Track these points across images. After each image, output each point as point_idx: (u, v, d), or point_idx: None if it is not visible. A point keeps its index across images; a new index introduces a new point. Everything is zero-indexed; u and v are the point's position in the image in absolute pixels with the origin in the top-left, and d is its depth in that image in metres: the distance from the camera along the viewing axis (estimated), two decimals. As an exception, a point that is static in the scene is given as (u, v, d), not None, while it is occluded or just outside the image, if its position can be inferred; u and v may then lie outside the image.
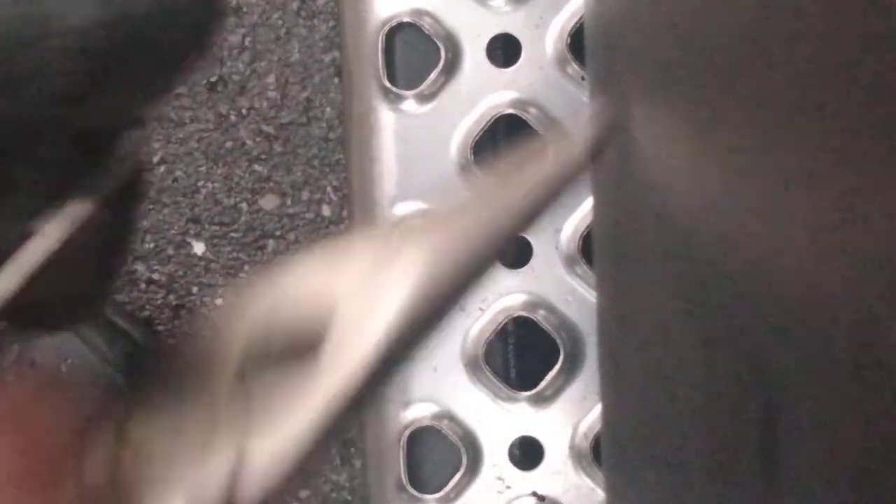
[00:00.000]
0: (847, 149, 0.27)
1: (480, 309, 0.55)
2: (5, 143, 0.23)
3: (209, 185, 1.03)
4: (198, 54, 0.23)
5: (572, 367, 0.54)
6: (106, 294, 0.28)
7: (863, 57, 0.25)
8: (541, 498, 0.55)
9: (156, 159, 0.98)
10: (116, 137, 0.24)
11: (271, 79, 1.03)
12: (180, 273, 1.03)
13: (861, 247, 0.27)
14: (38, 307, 0.24)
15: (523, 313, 0.54)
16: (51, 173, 0.23)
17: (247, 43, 1.02)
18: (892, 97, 0.24)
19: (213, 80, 1.01)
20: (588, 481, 0.54)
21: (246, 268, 1.03)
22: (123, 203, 0.25)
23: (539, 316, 0.54)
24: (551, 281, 0.54)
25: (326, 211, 1.03)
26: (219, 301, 1.03)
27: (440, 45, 0.54)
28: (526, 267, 0.54)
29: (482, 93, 0.54)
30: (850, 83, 0.26)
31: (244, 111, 1.02)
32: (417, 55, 0.55)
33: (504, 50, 0.55)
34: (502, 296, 0.55)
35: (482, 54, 0.54)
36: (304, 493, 1.02)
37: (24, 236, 0.23)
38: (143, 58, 0.22)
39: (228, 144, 1.02)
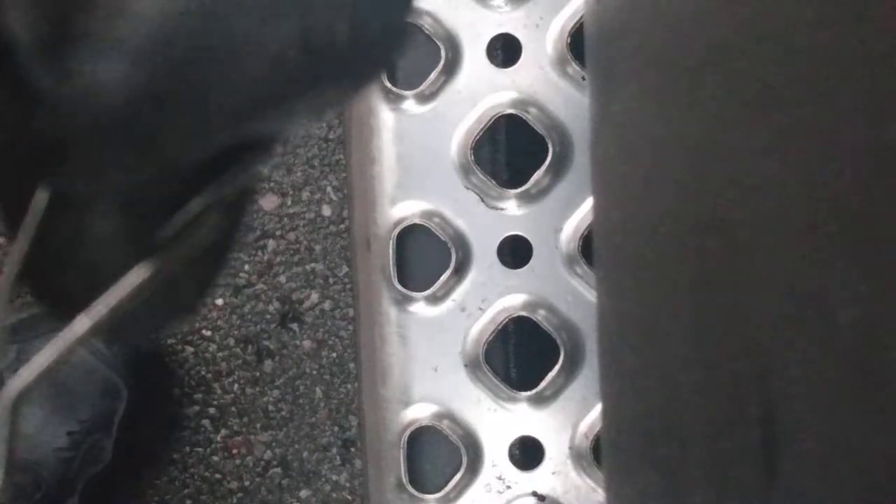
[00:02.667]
0: (848, 149, 0.27)
1: (480, 309, 0.55)
2: (181, 172, 0.22)
3: (209, 185, 1.03)
4: (376, 78, 0.23)
5: (572, 367, 0.54)
6: (200, 304, 0.27)
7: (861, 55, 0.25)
8: (541, 498, 0.55)
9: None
10: (237, 155, 0.24)
11: (271, 79, 1.03)
12: (180, 273, 1.03)
13: (861, 247, 0.27)
14: (126, 321, 0.24)
15: (523, 313, 0.54)
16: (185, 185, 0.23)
17: (247, 43, 1.02)
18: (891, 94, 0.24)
19: (213, 80, 1.01)
20: (588, 481, 0.54)
21: (246, 268, 1.03)
22: (234, 214, 0.24)
23: (539, 316, 0.54)
24: (551, 281, 0.54)
25: (326, 211, 1.03)
26: (219, 301, 1.03)
27: (440, 45, 0.54)
28: (526, 267, 0.55)
29: (482, 93, 0.54)
30: (847, 82, 0.26)
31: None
32: (417, 55, 0.55)
33: (504, 50, 0.55)
34: (502, 296, 0.55)
35: (482, 54, 0.54)
36: (304, 493, 1.02)
37: (148, 247, 0.23)
38: (330, 84, 0.21)
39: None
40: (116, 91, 0.19)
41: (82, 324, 0.23)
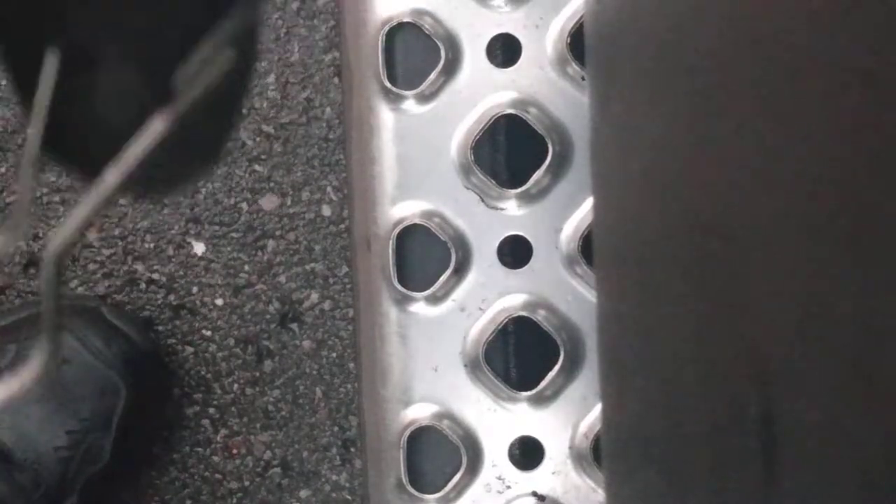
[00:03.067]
0: (848, 150, 0.27)
1: (480, 309, 0.55)
2: None
3: (209, 185, 1.03)
4: None
5: (572, 367, 0.54)
6: (221, 149, 0.27)
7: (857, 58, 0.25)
8: (541, 498, 0.55)
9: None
10: None
11: (271, 79, 1.03)
12: (180, 273, 1.03)
13: (861, 246, 0.27)
14: (149, 173, 0.24)
15: (523, 313, 0.54)
16: (186, 19, 0.23)
17: (247, 43, 1.02)
18: (889, 92, 0.24)
19: (213, 80, 1.01)
20: (588, 481, 0.54)
21: (246, 268, 1.03)
22: (246, 47, 0.24)
23: (539, 316, 0.54)
24: (551, 281, 0.54)
25: (326, 211, 1.03)
26: (219, 301, 1.03)
27: (440, 45, 0.54)
28: (526, 267, 0.55)
29: (482, 93, 0.54)
30: (849, 80, 0.26)
31: (244, 111, 1.02)
32: (417, 55, 0.55)
33: (504, 50, 0.55)
34: (502, 296, 0.55)
35: (482, 54, 0.54)
36: (304, 493, 1.02)
37: (168, 92, 0.23)
38: None
39: (228, 144, 1.02)
40: None
41: (113, 175, 0.23)
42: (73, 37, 0.22)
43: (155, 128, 0.23)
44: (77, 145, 0.24)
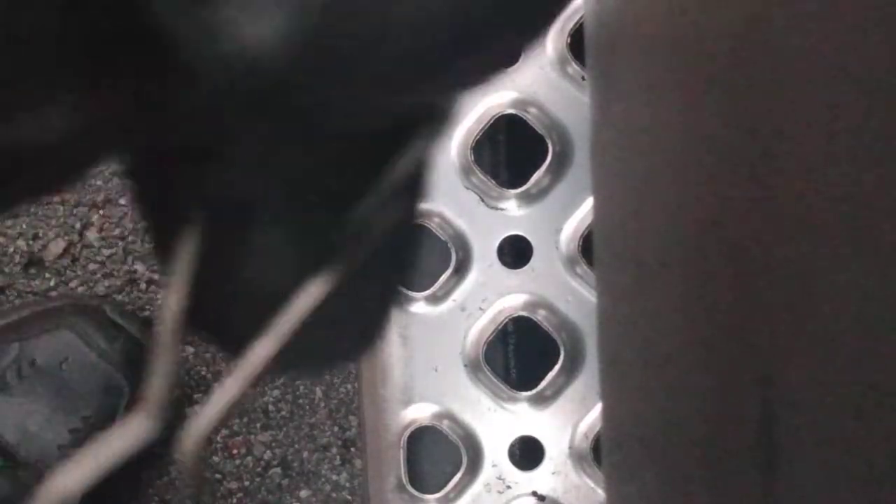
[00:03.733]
0: (849, 150, 0.27)
1: (480, 309, 0.55)
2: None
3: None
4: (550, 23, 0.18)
5: (572, 367, 0.54)
6: (388, 319, 0.23)
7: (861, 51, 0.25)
8: (541, 498, 0.55)
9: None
10: (409, 132, 0.20)
11: (272, 79, 1.03)
12: (181, 273, 1.03)
13: (861, 246, 0.27)
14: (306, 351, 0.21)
15: (523, 313, 0.54)
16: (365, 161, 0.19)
17: (247, 43, 1.02)
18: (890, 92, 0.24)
19: (213, 80, 1.01)
20: (588, 481, 0.54)
21: (246, 268, 1.03)
22: (410, 201, 0.21)
23: (539, 316, 0.54)
24: (551, 281, 0.54)
25: (327, 211, 1.03)
26: (219, 301, 1.03)
27: (440, 45, 0.54)
28: (526, 267, 0.55)
29: (482, 92, 0.54)
30: (848, 83, 0.26)
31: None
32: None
33: (504, 50, 0.55)
34: (502, 296, 0.55)
35: (482, 54, 0.54)
36: (304, 493, 1.02)
37: (317, 256, 0.19)
38: (499, 36, 0.17)
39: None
40: (274, 51, 0.15)
41: (263, 348, 0.20)
42: (219, 195, 0.19)
43: (312, 292, 0.19)
44: (223, 314, 0.21)
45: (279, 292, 0.20)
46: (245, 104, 0.16)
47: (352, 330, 0.22)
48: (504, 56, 0.18)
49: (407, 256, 0.22)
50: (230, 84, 0.16)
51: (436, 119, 0.20)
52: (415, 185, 0.21)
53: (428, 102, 0.19)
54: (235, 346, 0.20)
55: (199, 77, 0.16)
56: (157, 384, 0.20)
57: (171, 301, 0.20)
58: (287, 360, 0.20)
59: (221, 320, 0.21)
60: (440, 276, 0.54)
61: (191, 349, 1.03)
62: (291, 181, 0.19)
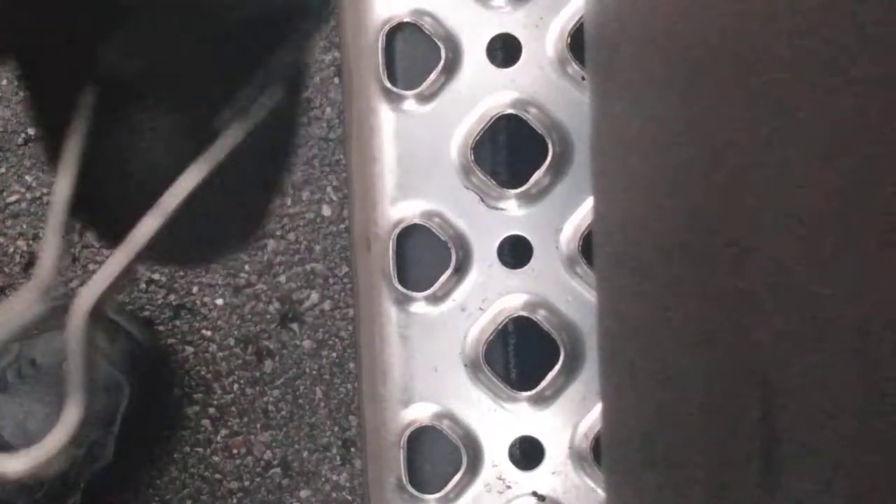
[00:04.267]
0: (847, 150, 0.27)
1: (480, 309, 0.55)
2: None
3: (209, 184, 1.03)
4: None
5: (572, 367, 0.54)
6: (269, 206, 0.24)
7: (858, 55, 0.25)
8: (541, 498, 0.55)
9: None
10: (287, 22, 0.21)
11: (272, 79, 1.03)
12: (181, 273, 1.03)
13: (861, 247, 0.27)
14: (195, 238, 0.22)
15: (523, 313, 0.54)
16: (236, 57, 0.20)
17: (247, 43, 1.02)
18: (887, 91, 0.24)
19: (213, 80, 1.01)
20: (588, 481, 0.54)
21: (246, 268, 1.03)
22: (291, 93, 0.22)
23: (539, 316, 0.54)
24: (551, 281, 0.54)
25: (326, 211, 1.03)
26: (219, 301, 1.03)
27: (440, 45, 0.54)
28: (526, 267, 0.55)
29: (482, 93, 0.54)
30: (848, 83, 0.26)
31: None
32: (417, 55, 0.55)
33: (504, 50, 0.55)
34: (502, 296, 0.55)
35: (482, 54, 0.54)
36: (304, 493, 1.02)
37: (211, 131, 0.21)
38: None
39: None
40: None
41: (149, 225, 0.20)
42: (106, 77, 0.20)
43: (194, 173, 0.20)
44: (110, 196, 0.22)
45: (163, 175, 0.20)
46: None
47: (234, 221, 0.23)
48: None
49: (285, 149, 0.23)
50: None
51: (314, 10, 0.20)
52: (294, 75, 0.21)
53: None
54: (122, 228, 0.21)
55: None
56: (45, 265, 0.21)
57: (61, 185, 0.20)
58: (173, 245, 0.21)
59: (109, 202, 0.22)
60: (440, 276, 0.54)
61: (191, 349, 1.03)
62: (175, 66, 0.20)
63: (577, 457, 0.55)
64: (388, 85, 0.54)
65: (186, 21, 0.19)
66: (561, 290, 0.54)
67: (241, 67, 0.21)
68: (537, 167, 0.54)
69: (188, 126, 0.21)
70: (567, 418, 0.54)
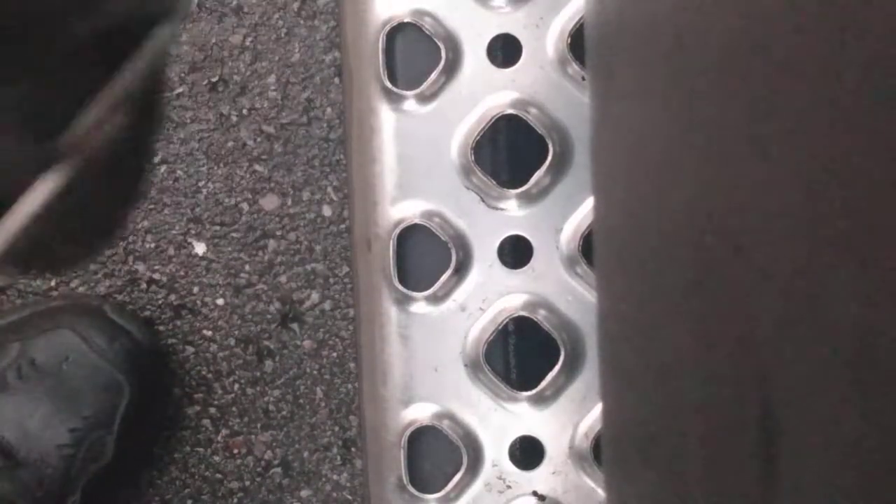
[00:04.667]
0: (848, 150, 0.27)
1: (480, 309, 0.55)
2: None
3: (210, 185, 1.03)
4: None
5: (573, 367, 0.54)
6: (123, 220, 0.25)
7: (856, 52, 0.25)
8: (541, 498, 0.55)
9: (156, 159, 0.99)
10: (140, 34, 0.20)
11: (272, 79, 1.03)
12: (181, 273, 1.03)
13: (861, 247, 0.27)
14: (47, 248, 0.22)
15: (524, 313, 0.54)
16: (71, 80, 0.20)
17: (247, 43, 1.02)
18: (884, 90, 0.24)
19: (213, 80, 1.01)
20: (588, 481, 0.54)
21: (246, 268, 1.03)
22: (142, 110, 0.21)
23: (539, 316, 0.54)
24: (552, 281, 0.54)
25: (327, 211, 1.03)
26: (220, 301, 1.03)
27: (440, 45, 0.54)
28: (526, 267, 0.55)
29: (482, 93, 0.54)
30: (848, 84, 0.26)
31: (245, 111, 1.02)
32: (418, 55, 0.55)
33: (504, 50, 0.55)
34: (502, 296, 0.55)
35: (482, 54, 0.54)
36: (304, 493, 1.02)
37: (49, 157, 0.20)
38: None
39: (229, 144, 1.02)
40: None
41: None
42: None
43: (40, 190, 0.20)
44: None
45: (10, 193, 0.20)
46: None
47: (85, 233, 0.23)
48: None
49: (138, 163, 0.23)
50: None
51: (157, 30, 0.20)
52: (147, 99, 0.21)
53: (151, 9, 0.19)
54: None
55: None
56: None
57: None
58: (21, 256, 0.20)
59: None
60: (440, 276, 0.54)
61: (191, 349, 1.03)
62: (17, 91, 0.19)
63: (577, 457, 0.55)
64: (388, 85, 0.54)
65: (31, 42, 0.19)
66: (561, 290, 0.54)
67: (85, 88, 0.20)
68: (537, 167, 0.54)
69: (30, 149, 0.21)
70: (567, 418, 0.54)
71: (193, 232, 1.04)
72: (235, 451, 1.04)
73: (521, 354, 0.56)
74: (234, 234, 1.04)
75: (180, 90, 1.00)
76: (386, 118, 0.55)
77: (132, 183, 0.23)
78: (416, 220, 0.55)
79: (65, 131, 0.20)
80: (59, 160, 0.20)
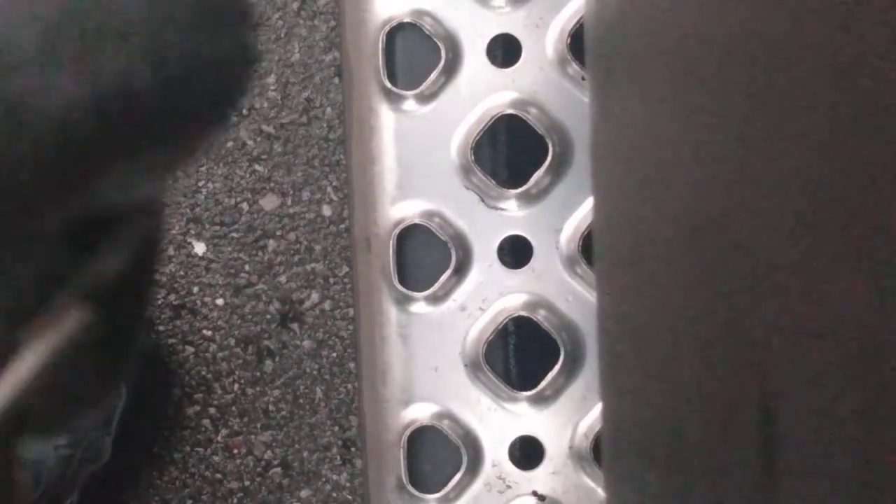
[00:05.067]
0: (848, 150, 0.27)
1: (481, 309, 0.55)
2: None
3: (210, 185, 1.03)
4: (222, 121, 0.18)
5: (572, 367, 0.54)
6: (108, 388, 0.24)
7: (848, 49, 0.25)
8: (541, 498, 0.55)
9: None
10: (121, 223, 0.20)
11: (272, 79, 1.03)
12: (181, 273, 1.03)
13: (861, 247, 0.27)
14: (32, 415, 0.22)
15: (524, 313, 0.54)
16: (39, 268, 0.20)
17: (247, 43, 1.02)
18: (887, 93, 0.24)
19: (213, 80, 1.01)
20: (588, 481, 0.54)
21: (246, 268, 1.03)
22: (125, 295, 0.21)
23: (539, 316, 0.54)
24: (551, 281, 0.54)
25: (327, 211, 1.03)
26: (219, 301, 1.03)
27: (440, 45, 0.54)
28: (526, 267, 0.55)
29: (482, 93, 0.54)
30: (848, 84, 0.26)
31: (245, 111, 1.02)
32: (418, 55, 0.55)
33: (504, 50, 0.55)
34: (502, 296, 0.55)
35: (482, 54, 0.54)
36: (304, 493, 1.02)
37: (11, 345, 0.20)
38: (149, 137, 0.17)
39: (229, 144, 1.02)
40: None
41: (25, 365, 0.20)
42: None
43: (67, 323, 0.20)
44: None
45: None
46: None
47: (94, 371, 0.23)
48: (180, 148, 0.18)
49: (129, 321, 0.22)
50: None
51: (129, 227, 0.20)
52: (107, 289, 0.21)
53: (126, 203, 0.19)
54: None
55: None
56: None
57: None
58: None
59: None
60: (440, 276, 0.54)
61: (191, 349, 1.03)
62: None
63: (577, 457, 0.55)
64: (388, 85, 0.54)
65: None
66: (561, 290, 0.54)
67: (47, 280, 0.20)
68: (537, 167, 0.54)
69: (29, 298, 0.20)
70: (567, 418, 0.54)
71: (193, 232, 1.04)
72: (235, 451, 1.04)
73: (521, 354, 0.56)
74: (233, 234, 1.04)
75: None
76: (386, 118, 0.55)
77: (115, 357, 0.23)
78: (416, 220, 0.55)
79: (32, 316, 0.20)
80: (14, 355, 0.20)
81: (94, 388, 0.23)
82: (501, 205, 0.55)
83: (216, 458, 1.03)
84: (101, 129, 0.16)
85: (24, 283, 0.20)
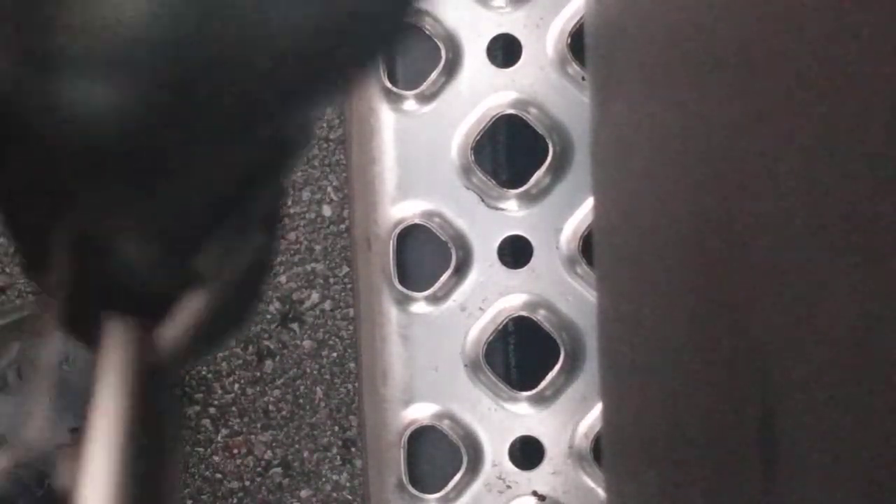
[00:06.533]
0: (849, 152, 0.27)
1: (480, 309, 0.55)
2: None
3: (210, 185, 1.03)
4: (371, 70, 0.18)
5: (573, 366, 0.54)
6: (250, 319, 0.25)
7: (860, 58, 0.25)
8: (541, 498, 0.55)
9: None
10: (288, 155, 0.20)
11: (272, 79, 1.03)
12: (181, 273, 1.03)
13: (861, 247, 0.27)
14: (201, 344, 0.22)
15: (524, 313, 0.54)
16: (213, 196, 0.20)
17: (247, 43, 1.02)
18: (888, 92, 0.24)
19: (213, 80, 1.01)
20: (588, 481, 0.54)
21: (246, 268, 1.03)
22: (272, 224, 0.22)
23: (539, 316, 0.54)
24: (551, 281, 0.54)
25: (327, 211, 1.03)
26: (219, 301, 1.03)
27: (440, 45, 0.54)
28: (526, 267, 0.55)
29: (483, 93, 0.54)
30: (848, 84, 0.26)
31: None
32: (418, 55, 0.55)
33: (504, 50, 0.55)
34: (502, 296, 0.55)
35: (482, 54, 0.54)
36: (304, 493, 1.02)
37: (190, 275, 0.21)
38: (351, 58, 0.17)
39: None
40: (110, 118, 0.16)
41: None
42: (85, 220, 0.20)
43: (195, 304, 0.21)
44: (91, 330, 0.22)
45: (151, 308, 0.21)
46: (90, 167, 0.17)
47: (217, 333, 0.23)
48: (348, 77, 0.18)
49: (255, 286, 0.23)
50: (83, 152, 0.16)
51: (289, 147, 0.20)
52: (272, 217, 0.21)
53: (279, 134, 0.19)
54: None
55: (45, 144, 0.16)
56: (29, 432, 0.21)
57: (50, 317, 0.21)
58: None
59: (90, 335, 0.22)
60: (440, 276, 0.54)
61: (191, 349, 1.03)
62: (156, 212, 0.20)
63: (577, 457, 0.55)
64: (388, 85, 0.54)
65: (155, 191, 0.19)
66: (561, 290, 0.54)
67: (220, 210, 0.20)
68: (537, 167, 0.54)
69: (170, 270, 0.21)
70: (567, 418, 0.54)
71: (193, 232, 1.04)
72: (235, 451, 1.04)
73: (521, 354, 0.56)
74: (233, 234, 1.04)
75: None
76: (386, 118, 0.55)
77: (258, 286, 0.23)
78: (416, 220, 0.55)
79: (199, 254, 0.20)
80: (199, 284, 0.21)
81: (252, 312, 0.24)
82: (501, 205, 0.55)
83: (216, 458, 1.03)
84: (338, 43, 0.17)
85: (199, 211, 0.20)
